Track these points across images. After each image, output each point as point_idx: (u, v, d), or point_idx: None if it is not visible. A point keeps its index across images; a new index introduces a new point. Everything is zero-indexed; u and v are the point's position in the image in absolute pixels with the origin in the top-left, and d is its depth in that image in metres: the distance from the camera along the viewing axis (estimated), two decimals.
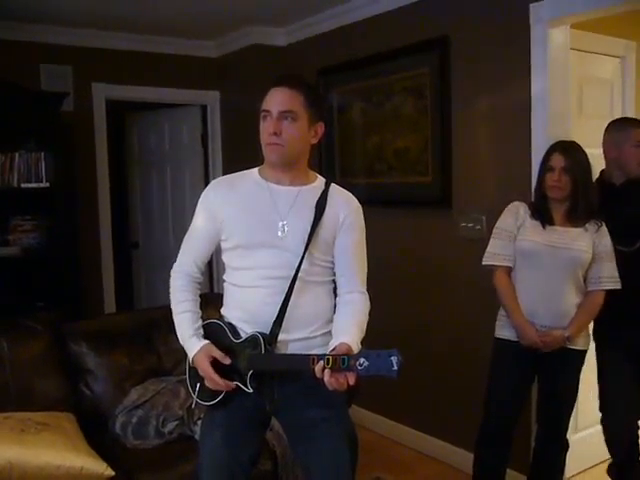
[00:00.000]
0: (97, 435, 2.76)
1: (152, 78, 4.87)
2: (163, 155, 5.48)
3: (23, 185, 4.05)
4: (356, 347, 1.94)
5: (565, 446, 2.97)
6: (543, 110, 3.19)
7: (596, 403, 3.46)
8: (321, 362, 1.81)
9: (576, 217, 2.79)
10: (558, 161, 2.75)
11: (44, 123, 4.04)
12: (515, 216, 2.87)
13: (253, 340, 2.02)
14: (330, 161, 4.46)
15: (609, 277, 2.79)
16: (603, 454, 3.70)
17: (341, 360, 1.77)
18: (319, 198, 2.11)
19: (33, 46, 4.38)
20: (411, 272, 3.98)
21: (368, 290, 2.17)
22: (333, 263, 2.14)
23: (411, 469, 3.72)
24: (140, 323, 3.27)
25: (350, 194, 2.21)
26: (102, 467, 2.39)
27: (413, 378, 3.95)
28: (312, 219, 2.07)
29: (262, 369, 2.02)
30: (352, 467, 2.27)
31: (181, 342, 2.13)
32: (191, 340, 2.09)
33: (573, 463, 3.46)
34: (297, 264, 2.04)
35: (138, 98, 4.96)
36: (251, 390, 2.01)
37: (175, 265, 2.22)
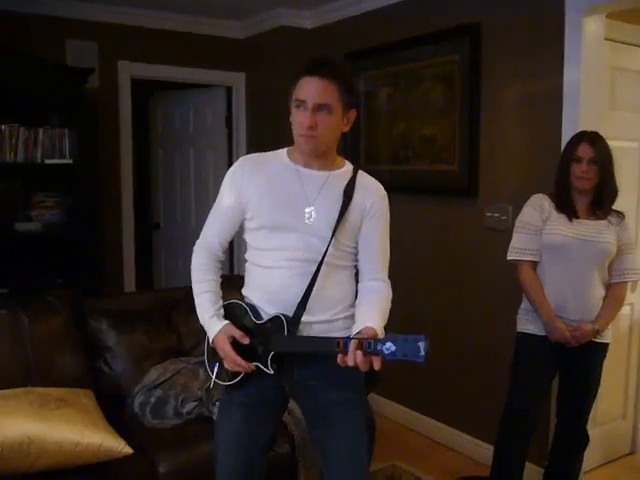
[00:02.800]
0: (115, 413, 2.76)
1: (178, 58, 4.84)
2: (187, 136, 5.45)
3: (47, 161, 4.04)
4: (381, 333, 1.92)
5: (586, 440, 2.95)
6: (575, 101, 3.13)
7: (617, 397, 3.45)
8: (351, 343, 1.78)
9: (600, 209, 2.77)
10: (586, 152, 2.72)
11: (69, 99, 4.01)
12: (540, 209, 2.83)
13: (276, 321, 2.00)
14: (355, 146, 4.41)
15: (632, 269, 2.82)
16: (621, 449, 3.69)
17: (367, 344, 1.75)
18: (347, 184, 2.09)
19: (59, 21, 4.35)
20: (434, 261, 3.95)
21: (390, 277, 2.15)
22: (356, 249, 2.13)
23: (427, 457, 3.71)
24: (161, 303, 3.27)
25: (377, 181, 2.19)
26: (120, 444, 2.39)
27: (432, 367, 3.91)
28: (340, 205, 2.05)
29: (285, 351, 2.00)
30: (369, 451, 2.25)
31: (201, 322, 2.12)
32: (211, 320, 2.08)
33: (591, 457, 3.43)
34: (324, 248, 2.02)
35: (163, 77, 4.93)
36: (272, 372, 1.99)
37: (197, 242, 2.20)
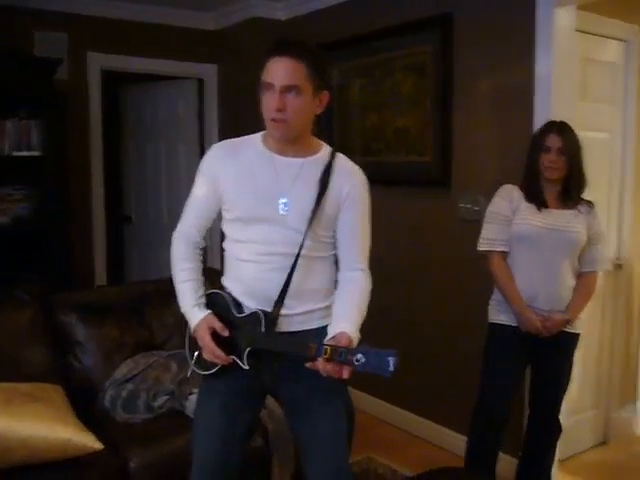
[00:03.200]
0: (86, 408, 2.72)
1: (149, 49, 4.78)
2: (158, 128, 5.38)
3: (14, 153, 3.97)
4: (356, 335, 1.90)
5: (558, 430, 2.96)
6: (546, 92, 3.14)
7: (589, 387, 3.47)
8: (323, 351, 1.76)
9: (569, 199, 2.78)
10: (555, 141, 2.73)
11: (37, 90, 3.94)
12: (509, 199, 2.83)
13: (254, 317, 1.98)
14: (328, 138, 4.36)
15: (602, 259, 2.85)
16: (595, 438, 3.73)
17: (339, 353, 1.74)
18: (323, 172, 2.02)
19: (28, 12, 4.27)
20: (407, 252, 3.94)
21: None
22: (334, 237, 2.08)
23: (402, 450, 3.71)
24: (132, 296, 3.23)
25: (356, 167, 2.11)
26: (90, 440, 2.34)
27: (406, 359, 3.92)
28: (315, 196, 1.99)
29: (261, 348, 1.97)
30: (349, 441, 2.24)
31: (182, 310, 2.09)
32: (193, 310, 2.06)
33: (564, 447, 3.46)
34: (300, 242, 1.98)
35: (134, 69, 4.86)
36: (247, 367, 1.97)
37: (176, 231, 2.17)
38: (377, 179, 3.91)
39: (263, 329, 1.96)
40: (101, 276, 4.77)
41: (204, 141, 5.13)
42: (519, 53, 3.25)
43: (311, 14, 4.48)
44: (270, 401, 2.64)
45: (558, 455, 3.19)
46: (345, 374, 1.77)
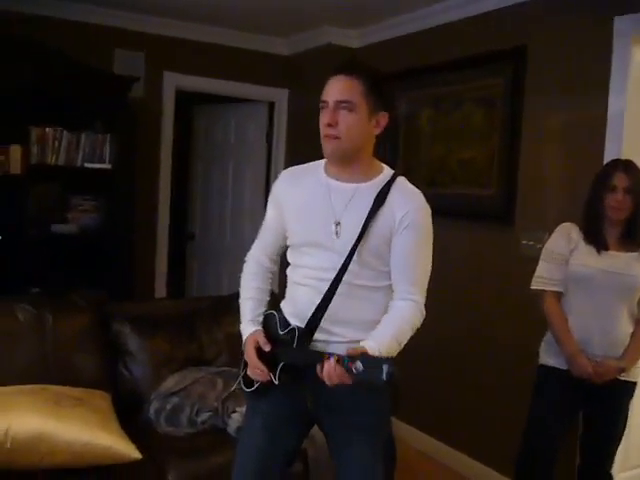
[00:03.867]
0: (131, 417, 2.77)
1: (223, 71, 4.88)
2: (227, 149, 5.49)
3: (86, 165, 4.10)
4: (385, 352, 1.81)
5: None
6: (619, 129, 3.05)
7: None
8: (332, 359, 1.73)
9: (632, 241, 2.66)
10: (621, 180, 2.61)
11: (112, 106, 4.08)
12: (567, 239, 2.73)
13: (291, 332, 1.97)
14: (393, 168, 4.36)
15: None
16: None
17: (343, 360, 1.71)
18: (377, 196, 1.95)
19: (109, 30, 4.45)
20: (468, 287, 3.85)
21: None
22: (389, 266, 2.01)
23: None
24: (185, 311, 3.26)
25: (416, 190, 2.02)
26: (130, 449, 2.37)
27: (460, 398, 3.84)
28: (364, 220, 1.94)
29: (290, 362, 1.96)
30: (388, 476, 2.18)
31: (241, 327, 2.13)
32: (247, 325, 2.10)
33: None
34: (341, 265, 1.94)
35: (208, 90, 4.97)
36: (277, 382, 1.95)
37: (249, 252, 2.22)
38: (440, 210, 3.90)
39: (295, 344, 1.95)
40: (161, 290, 4.86)
41: (271, 164, 5.20)
42: (593, 89, 3.17)
43: (384, 42, 4.50)
44: (314, 427, 2.61)
45: None
46: (344, 379, 1.71)
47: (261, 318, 2.11)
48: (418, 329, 1.98)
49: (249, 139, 5.34)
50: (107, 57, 4.47)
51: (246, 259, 2.21)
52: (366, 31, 4.60)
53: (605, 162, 3.08)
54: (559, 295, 2.74)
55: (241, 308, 2.14)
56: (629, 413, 2.76)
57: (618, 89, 3.05)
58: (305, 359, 1.94)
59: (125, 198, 4.15)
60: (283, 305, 2.13)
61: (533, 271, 3.17)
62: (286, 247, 2.13)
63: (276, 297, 2.25)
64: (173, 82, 4.75)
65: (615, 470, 3.24)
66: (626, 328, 2.65)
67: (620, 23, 3.03)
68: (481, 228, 3.79)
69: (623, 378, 2.66)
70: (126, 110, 4.13)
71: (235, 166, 5.40)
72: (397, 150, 4.35)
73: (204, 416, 2.77)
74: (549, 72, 3.39)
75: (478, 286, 3.78)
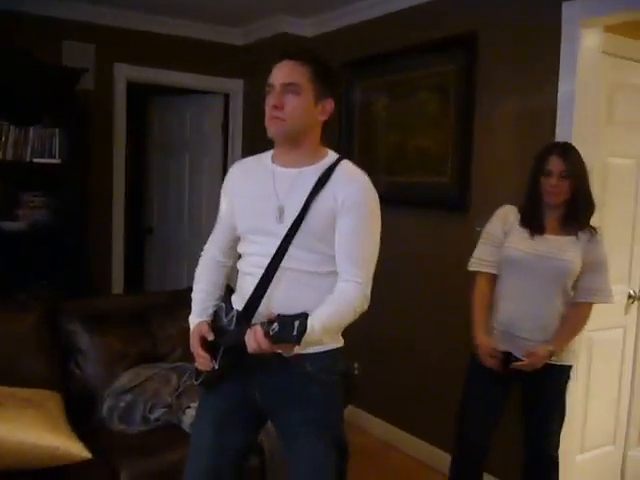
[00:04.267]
0: (84, 417, 2.72)
1: (176, 62, 4.80)
2: (183, 141, 5.42)
3: (35, 160, 3.99)
4: (320, 332, 1.80)
5: (555, 464, 2.78)
6: (569, 115, 3.05)
7: (607, 423, 3.31)
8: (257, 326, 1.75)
9: (570, 225, 2.61)
10: (557, 165, 2.57)
11: (61, 99, 3.98)
12: (503, 221, 2.73)
13: (231, 317, 1.97)
14: (349, 157, 4.33)
15: (602, 290, 2.61)
16: (612, 476, 3.57)
17: (261, 324, 1.72)
18: (319, 178, 1.93)
19: (57, 22, 4.32)
20: (423, 274, 3.85)
21: (375, 288, 1.96)
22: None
23: (412, 477, 3.59)
24: (138, 306, 3.22)
25: (359, 172, 1.99)
26: (78, 449, 2.32)
27: (416, 387, 3.84)
28: (304, 201, 1.92)
29: (228, 344, 1.93)
30: (339, 472, 2.16)
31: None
32: (192, 317, 2.10)
33: None
34: (278, 250, 1.91)
35: (160, 81, 4.88)
36: (216, 366, 1.93)
37: (205, 245, 2.21)
38: (397, 199, 3.91)
39: (232, 326, 1.94)
40: (119, 284, 4.78)
41: (227, 155, 5.14)
42: (543, 75, 3.17)
43: (338, 31, 4.47)
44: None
45: None
46: (262, 343, 1.72)
47: (210, 311, 2.08)
48: (363, 314, 1.95)
49: (205, 131, 5.28)
50: (56, 49, 4.35)
51: (202, 253, 2.20)
52: (320, 19, 4.56)
53: None
54: (493, 277, 2.73)
55: (192, 302, 2.13)
56: (568, 397, 2.74)
57: (568, 74, 3.05)
58: (238, 337, 1.88)
59: (76, 193, 4.07)
60: (233, 298, 2.11)
61: None
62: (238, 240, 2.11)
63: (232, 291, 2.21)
64: (124, 74, 4.66)
65: (573, 452, 3.30)
66: (557, 312, 2.61)
67: (568, 8, 3.03)
68: (437, 216, 3.79)
69: (556, 362, 2.62)
70: (75, 103, 4.03)
71: (191, 158, 5.33)
72: (353, 138, 4.32)
73: (158, 413, 2.73)
74: (500, 58, 3.39)
75: (435, 273, 3.78)
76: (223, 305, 2.06)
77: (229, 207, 2.09)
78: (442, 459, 3.68)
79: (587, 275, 2.59)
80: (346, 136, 4.36)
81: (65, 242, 4.06)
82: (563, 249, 2.59)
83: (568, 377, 2.71)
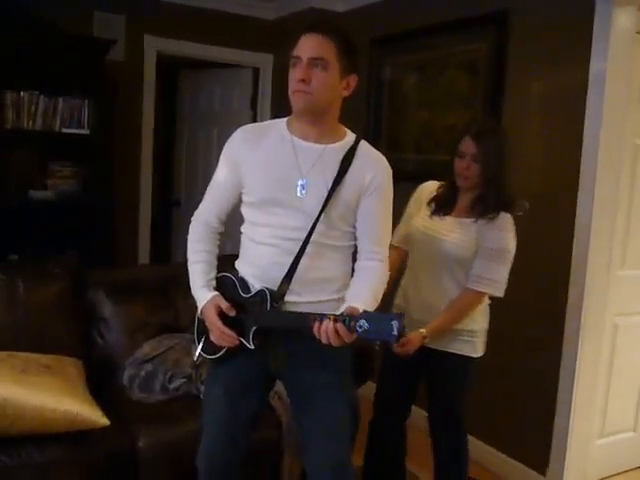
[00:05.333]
0: (104, 385, 2.76)
1: (206, 35, 4.78)
2: (212, 115, 5.42)
3: (64, 130, 4.03)
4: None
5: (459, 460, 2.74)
6: (599, 94, 2.99)
7: (629, 408, 3.27)
8: (326, 320, 1.73)
9: (476, 210, 2.46)
10: (469, 147, 2.43)
11: (90, 70, 3.99)
12: (416, 197, 2.65)
13: (260, 295, 1.96)
14: (377, 133, 4.32)
15: (485, 278, 2.43)
16: (631, 461, 3.55)
17: (342, 320, 1.70)
18: (344, 157, 1.98)
19: None
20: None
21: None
22: (355, 227, 2.03)
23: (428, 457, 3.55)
24: (161, 277, 3.23)
25: (380, 154, 2.07)
26: (97, 415, 2.36)
27: None
28: (333, 180, 1.96)
29: (266, 325, 1.95)
30: (352, 438, 2.19)
31: (192, 292, 2.09)
32: (201, 290, 2.05)
33: (597, 469, 3.31)
34: (311, 226, 1.95)
35: (190, 54, 4.88)
36: (252, 347, 1.95)
37: (195, 213, 2.17)
38: (425, 176, 3.84)
39: (268, 307, 1.93)
40: (145, 255, 4.83)
41: None
42: (575, 54, 3.10)
43: (368, 7, 4.40)
44: (284, 390, 2.61)
45: (592, 476, 3.05)
46: (347, 338, 1.72)
47: (214, 282, 2.08)
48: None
49: (234, 104, 5.27)
50: (88, 21, 4.36)
51: (192, 220, 2.16)
52: None
53: (585, 129, 3.04)
54: (401, 252, 2.64)
55: (190, 273, 2.10)
56: (465, 384, 2.64)
57: (600, 54, 2.98)
58: (289, 322, 1.94)
59: (104, 164, 4.09)
60: (239, 266, 2.10)
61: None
62: (237, 207, 2.10)
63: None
64: (154, 46, 4.65)
65: (593, 436, 3.28)
66: (444, 295, 2.49)
67: None
68: None
69: (440, 349, 2.53)
70: (104, 74, 4.04)
71: (220, 132, 5.32)
72: (382, 116, 4.29)
73: (177, 382, 2.76)
74: (531, 37, 3.32)
75: None
76: (231, 276, 2.06)
77: (233, 173, 2.05)
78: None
79: (477, 261, 2.44)
80: (375, 114, 4.32)
81: (93, 212, 4.10)
82: (452, 230, 2.48)
83: (464, 368, 2.57)
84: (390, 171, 2.05)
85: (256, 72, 5.14)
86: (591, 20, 3.01)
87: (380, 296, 1.98)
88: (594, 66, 3.01)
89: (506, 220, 2.46)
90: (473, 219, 2.46)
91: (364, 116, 4.36)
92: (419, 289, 2.53)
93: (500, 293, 2.47)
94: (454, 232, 2.46)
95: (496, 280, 2.44)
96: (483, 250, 2.43)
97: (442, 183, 2.61)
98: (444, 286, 2.50)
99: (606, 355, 3.28)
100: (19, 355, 2.52)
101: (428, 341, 2.45)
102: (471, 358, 2.55)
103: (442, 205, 2.54)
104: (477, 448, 3.52)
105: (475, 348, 2.56)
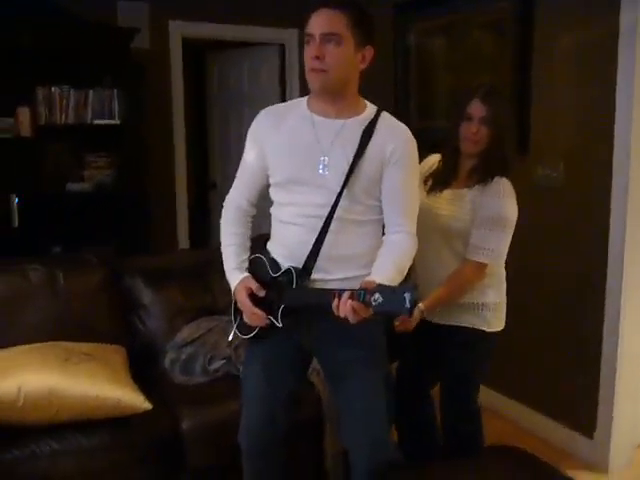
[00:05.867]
0: (147, 370, 2.82)
1: (230, 16, 4.74)
2: (242, 95, 5.42)
3: (95, 122, 4.09)
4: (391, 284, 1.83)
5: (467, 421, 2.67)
6: (631, 46, 2.88)
7: None
8: (344, 294, 1.73)
9: (476, 179, 2.39)
10: (478, 110, 2.32)
11: (116, 60, 4.03)
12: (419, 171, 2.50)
13: (287, 274, 1.98)
14: (405, 101, 4.26)
15: (479, 247, 2.35)
16: None
17: (357, 294, 1.70)
18: (364, 130, 1.97)
19: None
20: None
21: None
22: (380, 200, 2.02)
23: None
24: (197, 261, 3.27)
25: (402, 125, 2.05)
26: (139, 400, 2.41)
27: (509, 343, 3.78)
28: (354, 154, 1.95)
29: (292, 304, 1.97)
30: (388, 414, 2.19)
31: (226, 275, 2.14)
32: (233, 273, 2.10)
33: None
34: (334, 202, 1.94)
35: (215, 36, 4.86)
36: (280, 325, 1.98)
37: (227, 197, 2.20)
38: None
39: (294, 285, 1.95)
40: (184, 240, 4.88)
41: None
42: (603, 5, 2.99)
43: None
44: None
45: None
46: (364, 313, 1.71)
47: (246, 264, 2.11)
48: None
49: (262, 83, 5.26)
50: (111, 10, 4.38)
51: (224, 204, 2.19)
52: None
53: (618, 84, 2.94)
54: None
55: (224, 256, 2.14)
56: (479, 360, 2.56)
57: (630, 4, 2.88)
58: (312, 299, 1.96)
59: (137, 152, 4.14)
60: (270, 246, 2.13)
61: (549, 200, 3.10)
62: (267, 188, 2.11)
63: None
64: (179, 31, 4.65)
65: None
66: (447, 270, 2.42)
67: None
68: None
69: (447, 323, 2.48)
70: (131, 63, 4.07)
71: (250, 111, 5.23)
72: (409, 83, 4.22)
73: (217, 364, 2.80)
74: None
75: None
76: (262, 257, 2.08)
77: (259, 156, 2.07)
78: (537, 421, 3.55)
79: (475, 230, 2.37)
80: (402, 81, 4.26)
81: (129, 200, 4.16)
82: (449, 204, 2.40)
83: (473, 341, 2.48)
84: (414, 142, 2.04)
85: (282, 48, 5.12)
86: None
87: (405, 269, 1.98)
88: (625, 16, 2.89)
89: (504, 185, 2.39)
90: (468, 188, 2.39)
91: (391, 84, 4.30)
92: (422, 265, 2.45)
93: (497, 261, 2.42)
94: (451, 205, 2.41)
95: (494, 249, 2.36)
96: (480, 219, 2.35)
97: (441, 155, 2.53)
98: (445, 261, 2.44)
99: None
100: (62, 344, 2.58)
101: (426, 315, 2.40)
102: (483, 332, 2.47)
103: (440, 179, 2.46)
104: (522, 413, 3.51)
105: (487, 321, 2.47)
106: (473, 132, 2.34)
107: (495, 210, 2.35)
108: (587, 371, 3.17)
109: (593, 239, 3.10)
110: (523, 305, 3.45)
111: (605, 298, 3.07)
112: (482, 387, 2.68)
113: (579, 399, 3.24)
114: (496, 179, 2.37)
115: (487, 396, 3.23)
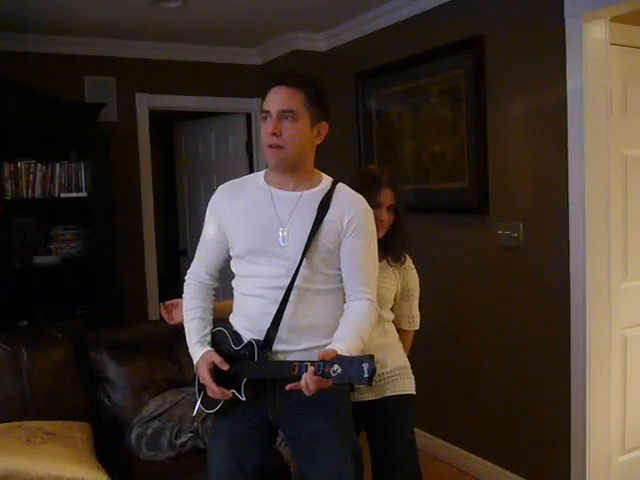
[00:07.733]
0: (113, 446, 2.77)
1: (196, 87, 4.88)
2: (209, 163, 5.51)
3: (62, 195, 4.12)
4: (354, 352, 1.85)
5: None
6: (579, 110, 2.99)
7: None
8: (304, 367, 1.75)
9: (396, 255, 2.46)
10: (388, 198, 2.37)
11: (84, 134, 4.09)
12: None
13: (249, 347, 1.98)
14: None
15: (417, 316, 2.60)
16: None
17: (317, 367, 1.71)
18: (321, 201, 2.02)
19: (77, 59, 4.46)
20: (446, 280, 3.81)
21: None
22: (340, 269, 2.05)
23: None
24: (163, 332, 3.22)
25: (358, 195, 2.10)
26: (103, 479, 2.37)
27: (447, 389, 3.81)
28: (312, 225, 1.99)
29: (253, 377, 1.97)
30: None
31: (189, 349, 2.13)
32: (195, 347, 2.10)
33: None
34: (294, 272, 1.97)
35: (181, 107, 4.99)
36: (244, 398, 1.96)
37: (188, 272, 2.22)
38: (418, 206, 3.87)
39: (256, 358, 1.95)
40: (154, 309, 4.86)
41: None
42: (551, 72, 3.12)
43: (350, 44, 4.47)
44: None
45: None
46: (322, 385, 1.73)
47: (209, 338, 2.11)
48: None
49: (230, 151, 5.36)
50: (78, 85, 4.49)
51: (186, 279, 2.20)
52: (330, 33, 4.58)
53: (569, 144, 3.02)
54: None
55: (186, 330, 2.14)
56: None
57: (575, 69, 3.00)
58: (272, 371, 1.97)
59: (103, 223, 4.17)
60: (233, 319, 2.13)
61: (509, 259, 3.16)
62: (227, 261, 2.14)
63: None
64: (146, 103, 4.76)
65: (615, 453, 3.22)
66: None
67: (570, 3, 2.98)
68: (457, 222, 3.76)
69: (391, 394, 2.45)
70: (98, 136, 4.13)
71: (219, 179, 5.33)
72: (372, 149, 4.32)
73: (184, 438, 2.76)
74: (507, 59, 3.35)
75: (458, 278, 3.75)
76: (224, 330, 2.09)
77: (219, 229, 2.09)
78: (481, 467, 3.64)
79: (408, 303, 2.55)
80: (365, 147, 4.36)
81: (97, 272, 4.16)
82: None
83: (405, 408, 2.48)
84: (370, 212, 2.08)
85: (249, 117, 5.22)
86: (563, 36, 3.03)
87: (367, 336, 1.99)
88: (571, 81, 3.02)
89: (409, 259, 2.54)
90: (384, 262, 2.41)
91: (355, 149, 4.40)
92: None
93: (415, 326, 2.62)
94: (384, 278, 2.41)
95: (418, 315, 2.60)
96: (409, 291, 2.52)
97: None
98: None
99: (618, 370, 3.22)
100: (25, 425, 2.56)
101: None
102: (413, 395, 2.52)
103: None
104: (495, 473, 3.50)
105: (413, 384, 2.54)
106: (386, 219, 2.38)
107: (415, 282, 2.55)
108: (557, 430, 3.19)
109: (557, 305, 3.15)
110: (483, 369, 3.53)
111: (570, 359, 3.10)
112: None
113: (551, 458, 3.25)
114: (407, 255, 2.51)
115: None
